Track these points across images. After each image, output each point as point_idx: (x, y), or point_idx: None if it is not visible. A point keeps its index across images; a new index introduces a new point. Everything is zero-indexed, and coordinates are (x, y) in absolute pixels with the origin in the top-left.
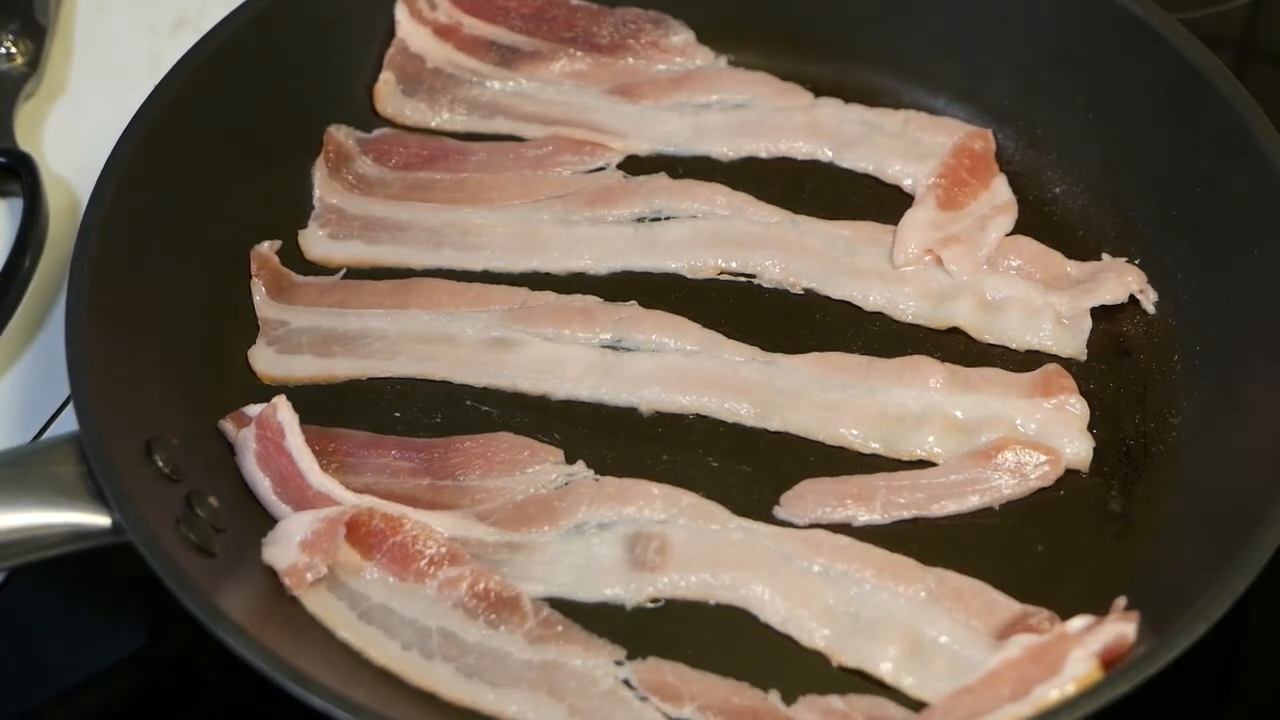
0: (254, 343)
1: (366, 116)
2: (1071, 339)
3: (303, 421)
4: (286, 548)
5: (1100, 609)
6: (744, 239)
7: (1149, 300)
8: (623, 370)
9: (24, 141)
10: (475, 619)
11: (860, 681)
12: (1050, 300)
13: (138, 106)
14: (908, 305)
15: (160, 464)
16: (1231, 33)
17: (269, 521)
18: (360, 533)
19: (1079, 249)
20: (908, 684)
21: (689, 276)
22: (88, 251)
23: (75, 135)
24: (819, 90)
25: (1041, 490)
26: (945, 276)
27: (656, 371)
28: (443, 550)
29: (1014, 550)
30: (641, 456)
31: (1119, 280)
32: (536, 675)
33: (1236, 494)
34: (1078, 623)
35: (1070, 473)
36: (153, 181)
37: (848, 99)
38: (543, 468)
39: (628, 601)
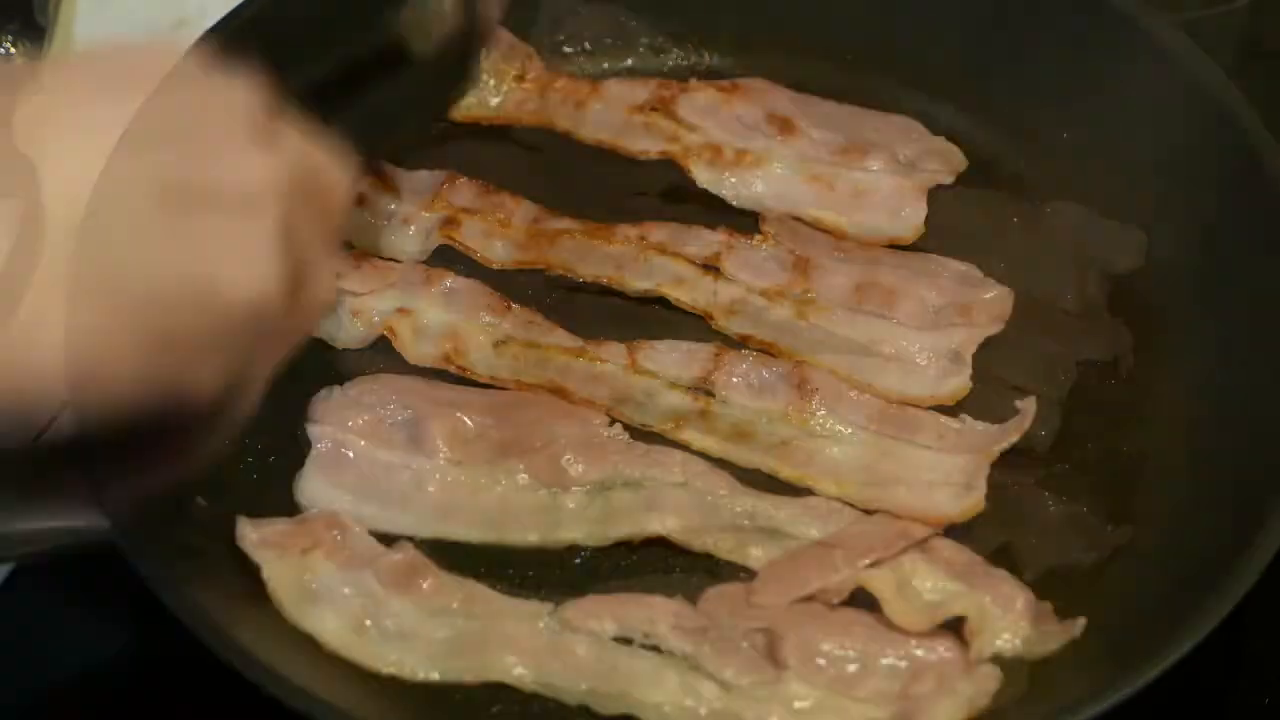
0: None
1: None
2: None
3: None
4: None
5: (1092, 618)
6: None
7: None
8: None
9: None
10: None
11: None
12: None
13: None
14: None
15: None
16: (1231, 33)
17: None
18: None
19: None
20: None
21: None
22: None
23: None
24: (820, 95)
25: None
26: None
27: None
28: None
29: (1003, 561)
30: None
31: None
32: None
33: (1233, 505)
34: None
35: (1064, 480)
36: None
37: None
38: None
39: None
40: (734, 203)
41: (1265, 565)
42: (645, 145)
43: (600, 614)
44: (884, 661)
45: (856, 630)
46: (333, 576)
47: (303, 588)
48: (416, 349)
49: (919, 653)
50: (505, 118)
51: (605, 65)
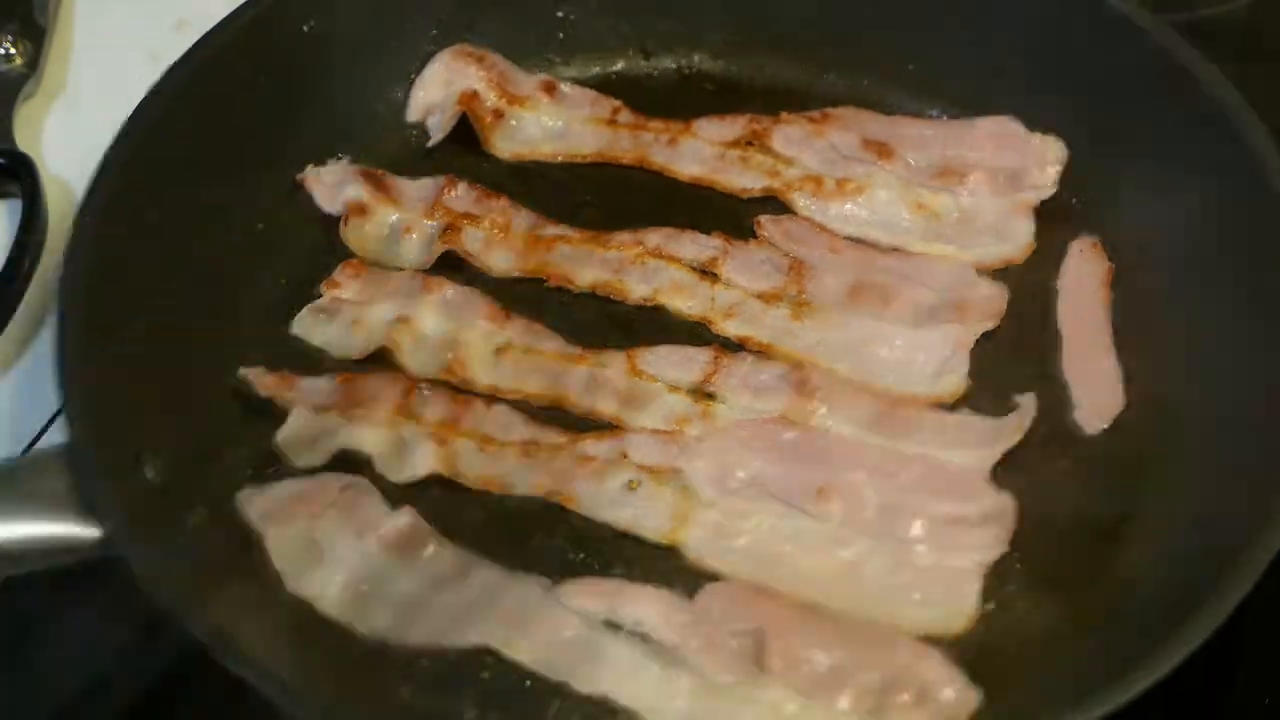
0: (246, 351)
1: (362, 124)
2: None
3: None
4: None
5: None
6: None
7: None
8: None
9: (23, 143)
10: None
11: None
12: None
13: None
14: None
15: (150, 475)
16: (1231, 33)
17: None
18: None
19: None
20: None
21: None
22: (79, 262)
23: (74, 136)
24: (832, 102)
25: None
26: None
27: None
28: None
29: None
30: None
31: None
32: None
33: (1225, 521)
34: None
35: (1065, 481)
36: (146, 189)
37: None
38: None
39: None
40: (840, 233)
41: (1266, 564)
42: (746, 183)
43: (594, 595)
44: (868, 673)
45: (845, 639)
46: (338, 540)
47: (308, 551)
48: (417, 361)
49: (903, 664)
50: (603, 157)
51: (596, 69)
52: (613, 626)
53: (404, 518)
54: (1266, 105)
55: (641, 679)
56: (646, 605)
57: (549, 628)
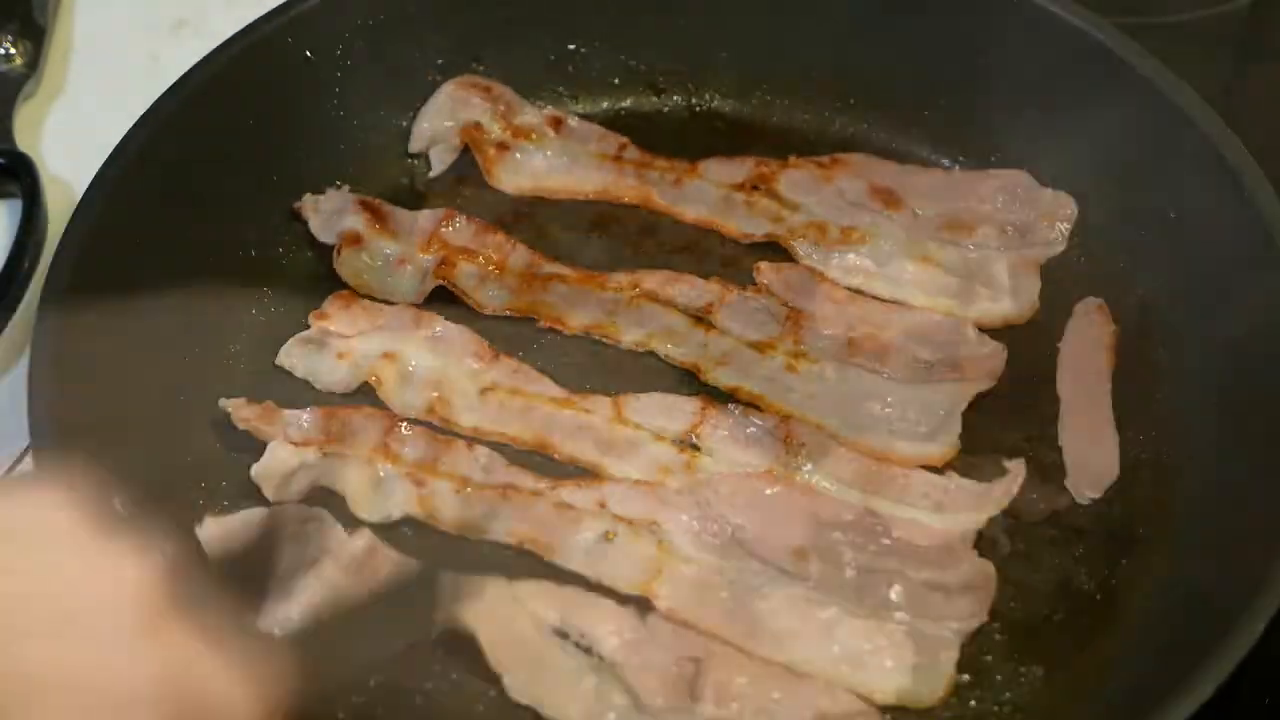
0: (225, 387)
1: (363, 154)
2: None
3: None
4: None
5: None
6: None
7: None
8: None
9: (23, 143)
10: None
11: None
12: None
13: (133, 116)
14: None
15: (117, 506)
16: (1231, 33)
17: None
18: None
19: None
20: None
21: None
22: (58, 284)
23: (74, 136)
24: (844, 146)
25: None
26: None
27: None
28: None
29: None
30: None
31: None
32: None
33: (1215, 597)
34: None
35: (1052, 550)
36: (135, 210)
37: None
38: None
39: None
40: (841, 284)
41: (1258, 638)
42: (749, 229)
43: (550, 600)
44: (796, 713)
45: (778, 679)
46: (296, 571)
47: (266, 585)
48: (401, 398)
49: (825, 704)
50: (607, 195)
51: (605, 104)
52: (561, 636)
53: (360, 541)
54: (1267, 105)
55: (578, 691)
56: (598, 617)
57: (498, 629)
